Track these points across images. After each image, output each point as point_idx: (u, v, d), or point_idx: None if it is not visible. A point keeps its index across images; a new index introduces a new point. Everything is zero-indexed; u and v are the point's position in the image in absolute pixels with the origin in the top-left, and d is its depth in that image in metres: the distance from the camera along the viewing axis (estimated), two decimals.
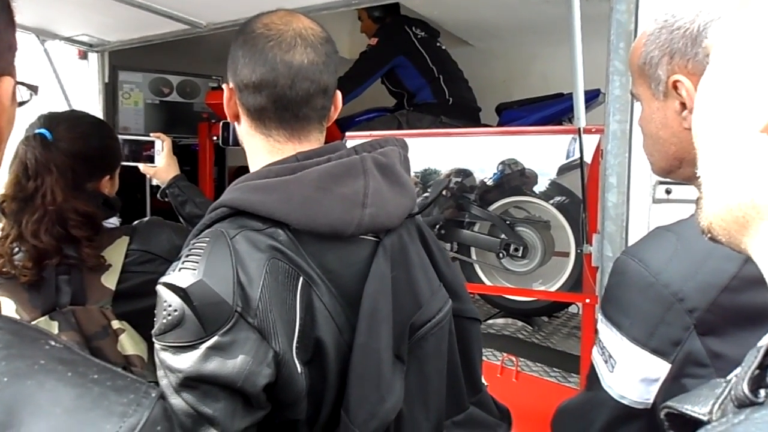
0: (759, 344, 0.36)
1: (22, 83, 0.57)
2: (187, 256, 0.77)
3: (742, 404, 0.33)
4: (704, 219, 0.42)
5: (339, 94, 0.94)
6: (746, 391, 0.32)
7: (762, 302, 0.69)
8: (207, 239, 0.78)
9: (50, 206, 1.19)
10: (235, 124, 0.93)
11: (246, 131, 0.91)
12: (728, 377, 0.38)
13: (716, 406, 0.36)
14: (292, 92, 0.85)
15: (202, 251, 0.76)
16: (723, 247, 0.73)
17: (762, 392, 0.32)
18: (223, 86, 0.92)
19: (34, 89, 0.60)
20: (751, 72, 0.36)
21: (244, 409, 0.75)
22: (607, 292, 0.84)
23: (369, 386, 0.80)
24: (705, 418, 0.36)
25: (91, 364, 0.44)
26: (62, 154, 1.24)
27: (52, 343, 0.44)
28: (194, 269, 0.74)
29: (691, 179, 0.86)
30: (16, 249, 1.21)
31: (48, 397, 0.39)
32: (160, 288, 0.76)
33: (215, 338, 0.72)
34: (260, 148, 0.90)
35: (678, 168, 0.86)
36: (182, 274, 0.74)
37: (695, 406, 0.37)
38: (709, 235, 0.43)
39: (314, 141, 0.90)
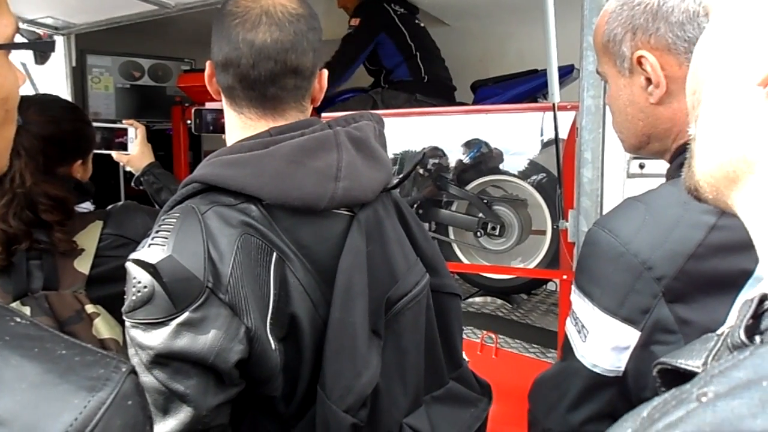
0: (750, 296, 0.36)
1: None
2: (157, 232, 0.76)
3: (739, 350, 0.33)
4: (692, 178, 0.43)
5: (325, 73, 0.92)
6: (743, 337, 0.33)
7: (727, 269, 0.71)
8: (177, 215, 0.77)
9: (19, 190, 1.17)
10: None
11: (225, 107, 0.91)
12: (719, 331, 0.38)
13: (710, 359, 0.36)
14: (255, 72, 0.83)
15: (171, 227, 0.76)
16: (690, 215, 0.74)
17: (757, 338, 0.33)
18: (207, 63, 0.91)
19: (47, 47, 0.58)
20: (750, 25, 0.37)
21: (217, 386, 0.75)
22: (580, 263, 0.85)
23: (345, 361, 0.80)
24: (699, 371, 0.36)
25: (58, 339, 0.43)
26: (32, 138, 1.21)
27: (18, 319, 0.43)
28: (164, 245, 0.74)
29: (661, 154, 0.87)
30: None
31: (13, 373, 0.38)
32: (129, 264, 0.75)
33: (186, 314, 0.72)
34: (235, 124, 0.89)
35: (647, 144, 0.87)
36: (151, 250, 0.74)
37: (689, 360, 0.38)
38: (695, 194, 0.43)
39: (291, 119, 0.88)
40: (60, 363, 0.40)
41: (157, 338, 0.72)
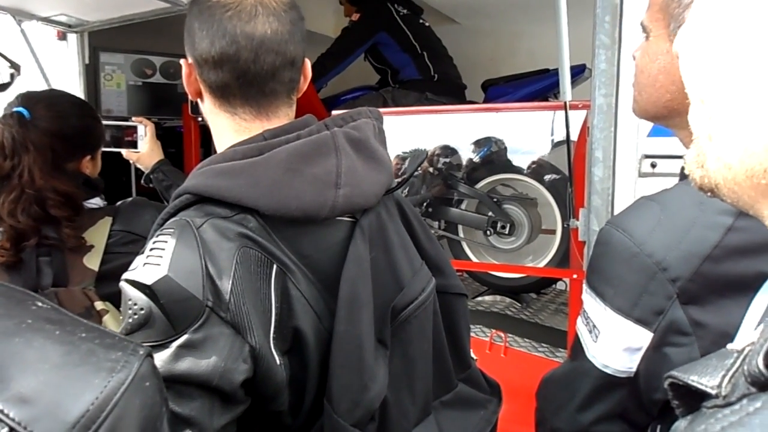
0: None
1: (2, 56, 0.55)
2: (151, 249, 0.72)
3: (756, 381, 0.30)
4: (708, 178, 0.39)
5: (308, 63, 0.88)
6: (761, 366, 0.30)
7: (743, 271, 0.70)
8: (171, 230, 0.73)
9: (27, 186, 1.17)
10: (198, 101, 0.88)
11: (210, 109, 0.85)
12: (740, 346, 0.35)
13: (726, 380, 0.33)
14: (256, 66, 0.79)
15: (166, 244, 0.71)
16: (706, 216, 0.72)
17: None
18: (181, 62, 0.86)
19: (15, 67, 0.58)
20: None
21: (222, 407, 0.71)
22: (592, 263, 0.83)
23: (351, 374, 0.77)
24: (713, 392, 0.33)
25: (78, 323, 0.44)
26: (40, 133, 1.22)
27: (39, 303, 0.45)
28: (159, 264, 0.70)
29: (676, 129, 0.83)
30: None
31: (36, 354, 0.40)
32: (123, 285, 0.71)
33: (186, 336, 0.69)
34: (226, 127, 0.84)
35: (664, 116, 0.83)
36: (146, 270, 0.70)
37: (702, 378, 0.35)
38: (709, 194, 0.40)
39: (283, 117, 0.85)
40: (80, 345, 0.42)
41: (157, 361, 0.68)
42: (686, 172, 0.44)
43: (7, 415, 0.37)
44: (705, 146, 0.39)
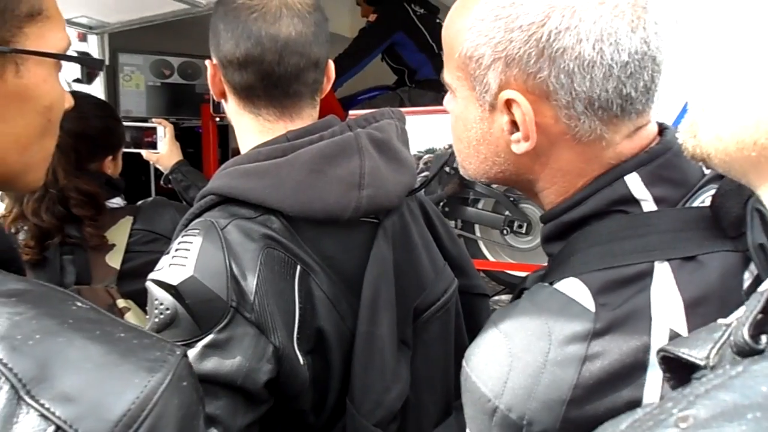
0: (761, 288, 0.34)
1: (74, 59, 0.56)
2: (177, 250, 0.73)
3: (741, 351, 0.31)
4: (700, 148, 0.40)
5: (331, 64, 0.88)
6: (746, 336, 0.31)
7: (611, 406, 0.57)
8: (196, 231, 0.74)
9: (51, 185, 1.20)
10: (222, 101, 0.88)
11: (234, 110, 0.86)
12: (728, 320, 0.36)
13: (714, 351, 0.34)
14: (280, 68, 0.79)
15: (191, 244, 0.72)
16: (556, 349, 0.58)
17: (763, 338, 0.31)
18: (207, 63, 0.86)
19: (96, 64, 0.59)
20: None
21: (246, 406, 0.72)
22: (462, 398, 0.70)
23: (374, 375, 0.78)
24: (701, 363, 0.35)
25: (116, 323, 0.45)
26: (64, 134, 1.23)
27: (79, 304, 0.46)
28: (184, 264, 0.71)
29: (522, 192, 0.72)
30: (19, 228, 1.22)
31: (78, 353, 0.41)
32: (150, 285, 0.72)
33: (211, 336, 0.70)
34: (250, 127, 0.84)
35: (504, 183, 0.72)
36: (172, 270, 0.71)
37: (692, 350, 0.36)
38: (701, 162, 0.41)
39: (307, 118, 0.85)
40: (120, 345, 0.43)
41: None
42: (679, 141, 0.44)
43: (53, 414, 0.37)
44: (698, 117, 0.40)
